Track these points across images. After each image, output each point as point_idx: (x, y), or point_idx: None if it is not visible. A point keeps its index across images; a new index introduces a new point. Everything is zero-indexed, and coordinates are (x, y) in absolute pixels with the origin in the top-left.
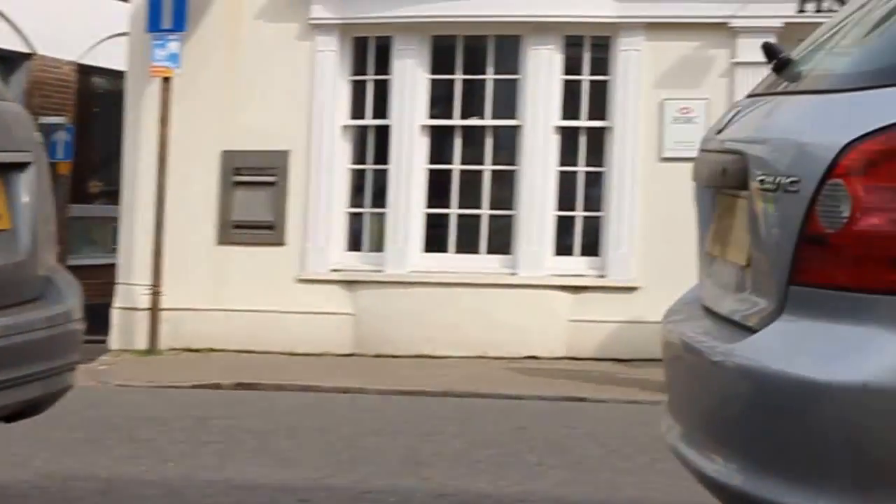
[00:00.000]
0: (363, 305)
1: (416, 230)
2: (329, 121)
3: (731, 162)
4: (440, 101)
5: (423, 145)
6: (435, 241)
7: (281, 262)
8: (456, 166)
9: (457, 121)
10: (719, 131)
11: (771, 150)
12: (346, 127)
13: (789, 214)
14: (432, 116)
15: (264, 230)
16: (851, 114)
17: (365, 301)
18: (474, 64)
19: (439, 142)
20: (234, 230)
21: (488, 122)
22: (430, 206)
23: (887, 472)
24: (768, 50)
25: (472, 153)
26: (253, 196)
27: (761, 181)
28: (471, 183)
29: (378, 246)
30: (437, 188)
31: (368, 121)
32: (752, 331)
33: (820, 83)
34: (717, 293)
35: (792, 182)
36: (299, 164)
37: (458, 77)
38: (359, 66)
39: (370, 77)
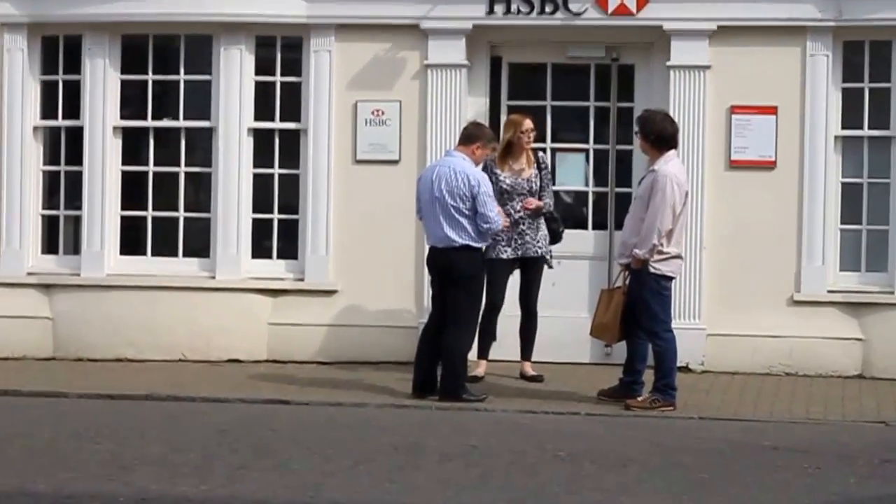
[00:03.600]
0: (61, 309)
1: (112, 233)
2: (19, 121)
3: None
4: (133, 101)
5: (116, 146)
6: (132, 243)
7: None
8: (150, 168)
9: (150, 122)
10: None
11: None
12: (37, 128)
13: None
14: (125, 117)
15: None
16: None
17: (63, 305)
18: (167, 64)
19: (133, 143)
20: None
21: (181, 123)
22: (125, 208)
23: None
24: None
25: (167, 155)
26: None
27: None
28: (166, 185)
29: (75, 249)
30: (133, 190)
31: (60, 122)
32: None
33: None
34: None
35: None
36: None
37: (150, 77)
38: (50, 66)
39: (61, 77)
